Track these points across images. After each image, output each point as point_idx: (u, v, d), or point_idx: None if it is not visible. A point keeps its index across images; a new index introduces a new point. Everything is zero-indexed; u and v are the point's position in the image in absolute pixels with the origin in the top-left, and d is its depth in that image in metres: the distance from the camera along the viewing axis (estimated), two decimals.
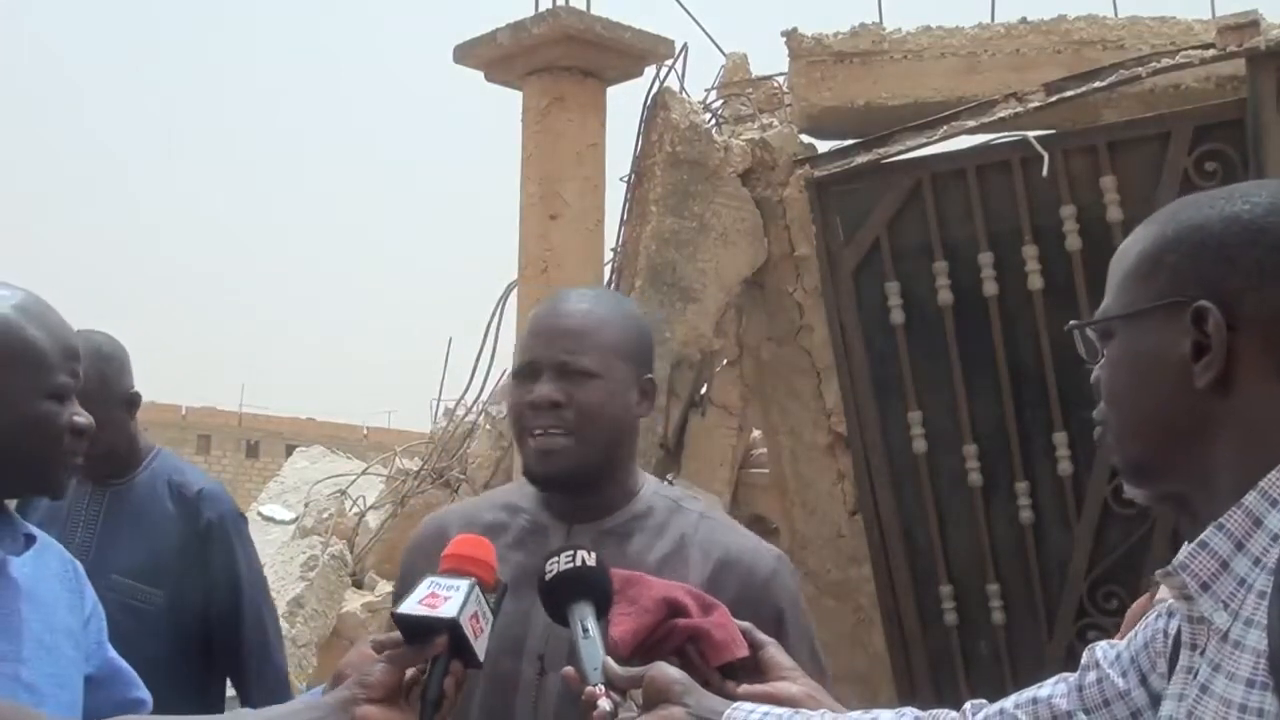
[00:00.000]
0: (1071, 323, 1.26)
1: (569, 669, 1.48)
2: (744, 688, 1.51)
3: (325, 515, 6.21)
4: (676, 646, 1.55)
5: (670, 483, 5.32)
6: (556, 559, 1.55)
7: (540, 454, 1.75)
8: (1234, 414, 1.11)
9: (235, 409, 37.16)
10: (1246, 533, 1.09)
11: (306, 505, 6.48)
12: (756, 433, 5.64)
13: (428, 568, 1.77)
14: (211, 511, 2.88)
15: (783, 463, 5.18)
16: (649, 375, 1.81)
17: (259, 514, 7.14)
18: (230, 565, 2.89)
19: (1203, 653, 1.11)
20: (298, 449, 8.12)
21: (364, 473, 6.84)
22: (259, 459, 35.96)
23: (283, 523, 6.85)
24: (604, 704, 1.40)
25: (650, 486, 1.86)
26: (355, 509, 6.46)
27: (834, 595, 5.11)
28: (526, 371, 1.77)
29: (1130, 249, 1.20)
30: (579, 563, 1.54)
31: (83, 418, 1.72)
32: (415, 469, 6.55)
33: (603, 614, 1.54)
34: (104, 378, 2.75)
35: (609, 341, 1.76)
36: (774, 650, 1.57)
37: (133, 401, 2.87)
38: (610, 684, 1.43)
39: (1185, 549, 1.13)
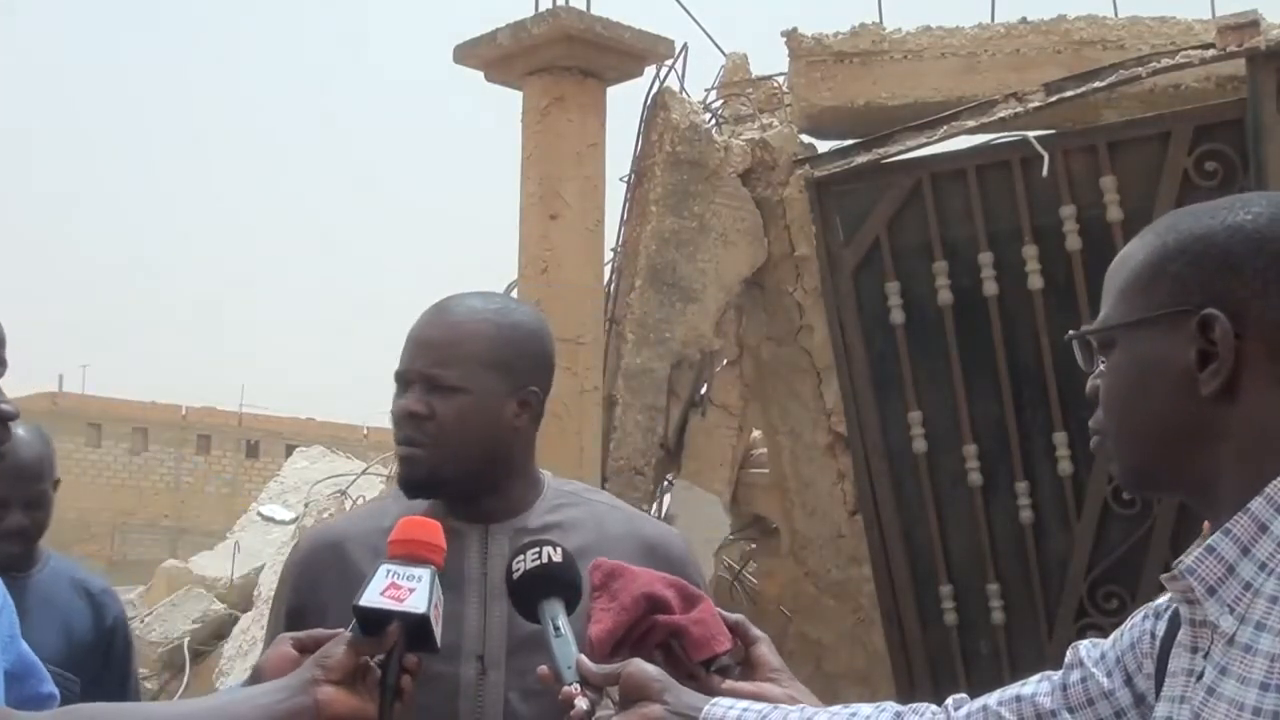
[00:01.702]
0: (1071, 332, 1.27)
1: (543, 668, 1.48)
2: (728, 684, 1.51)
3: (325, 515, 6.21)
4: (658, 642, 1.54)
5: (670, 483, 5.32)
6: (523, 556, 1.55)
7: (401, 461, 1.80)
8: (1238, 421, 1.12)
9: (235, 409, 37.18)
10: (1252, 538, 1.09)
11: (306, 505, 6.49)
12: (756, 433, 5.64)
13: (332, 587, 1.77)
14: (114, 609, 3.07)
15: (783, 463, 5.18)
16: (531, 387, 1.79)
17: (259, 514, 7.15)
18: (128, 660, 3.10)
19: (1206, 656, 1.11)
20: (298, 449, 8.13)
21: (364, 473, 6.83)
22: (259, 459, 35.97)
23: (283, 523, 6.86)
24: (581, 703, 1.40)
25: (553, 484, 1.88)
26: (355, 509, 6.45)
27: (834, 595, 5.12)
28: (398, 381, 1.80)
29: (1129, 259, 1.20)
30: (545, 559, 1.54)
31: (9, 406, 1.66)
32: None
33: (573, 610, 1.53)
34: (47, 462, 2.90)
35: (477, 354, 1.76)
36: (765, 648, 1.57)
37: (56, 486, 2.99)
38: (585, 682, 1.43)
39: (1191, 553, 1.13)
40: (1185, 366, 1.13)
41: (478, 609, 1.72)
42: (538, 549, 1.55)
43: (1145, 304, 1.17)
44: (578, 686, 1.42)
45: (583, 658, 1.46)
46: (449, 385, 1.74)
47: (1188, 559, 1.13)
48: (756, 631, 1.59)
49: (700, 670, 1.52)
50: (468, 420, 1.74)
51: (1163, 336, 1.15)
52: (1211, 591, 1.11)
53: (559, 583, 1.54)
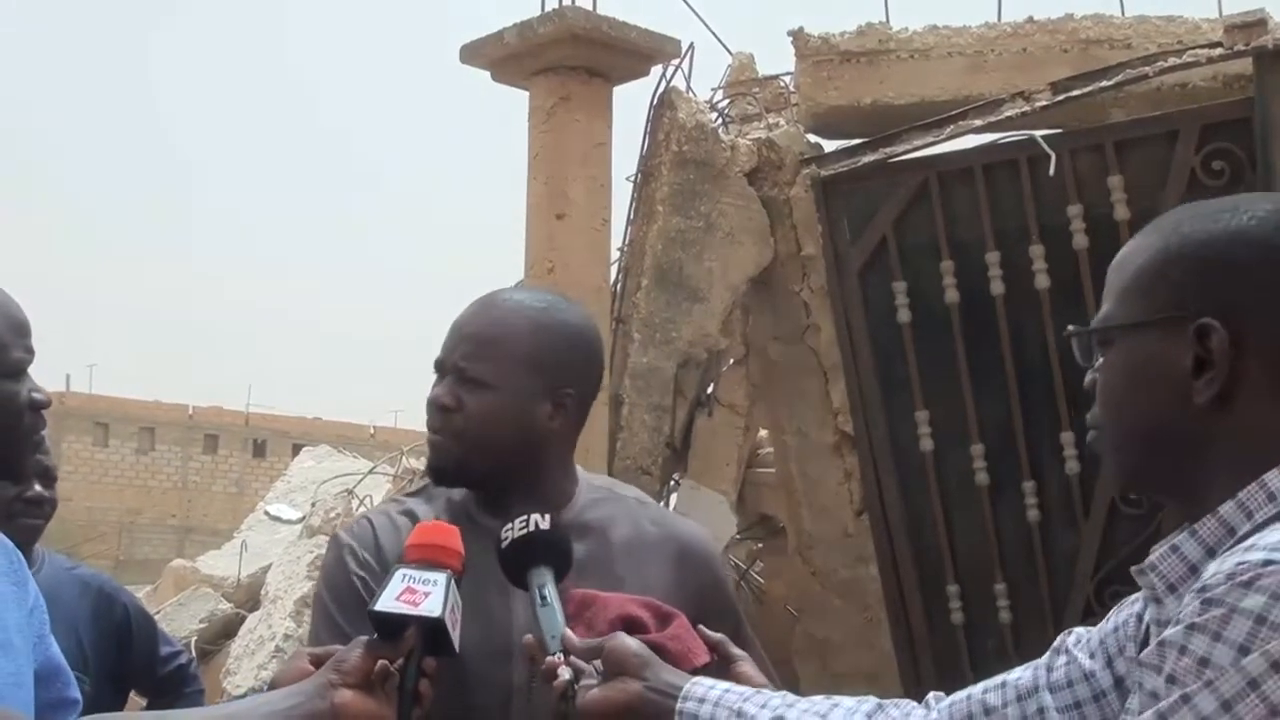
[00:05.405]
0: (1069, 328, 1.27)
1: (529, 636, 1.50)
2: None
3: (332, 514, 6.21)
4: None
5: (677, 482, 5.32)
6: (511, 526, 1.57)
7: (430, 447, 1.80)
8: (1230, 430, 1.12)
9: (242, 408, 37.27)
10: (1219, 541, 1.09)
11: (313, 504, 6.49)
12: (763, 432, 5.65)
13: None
14: (122, 598, 3.07)
15: (789, 462, 5.18)
16: (567, 389, 1.76)
17: (266, 513, 7.16)
18: (153, 638, 3.13)
19: None
20: (304, 448, 8.14)
21: (370, 472, 6.84)
22: (266, 458, 36.06)
23: (289, 522, 6.87)
24: (564, 673, 1.43)
25: (585, 479, 1.87)
26: (362, 508, 6.46)
27: (841, 595, 5.11)
28: (435, 369, 1.80)
29: (1131, 259, 1.19)
30: (533, 526, 1.55)
31: (41, 394, 1.62)
32: (421, 469, 6.55)
33: (561, 578, 1.55)
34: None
35: (512, 352, 1.74)
36: (747, 666, 1.59)
37: None
38: (569, 654, 1.46)
39: (1157, 550, 1.13)
40: (1181, 373, 1.12)
41: (526, 610, 1.70)
42: (525, 517, 1.57)
43: (1145, 307, 1.16)
44: (561, 656, 1.45)
45: (568, 631, 1.48)
46: (479, 380, 1.73)
47: (1153, 556, 1.13)
48: (737, 650, 1.61)
49: None
50: (495, 417, 1.73)
51: (1160, 341, 1.14)
52: (1172, 589, 1.11)
53: (549, 549, 1.55)
